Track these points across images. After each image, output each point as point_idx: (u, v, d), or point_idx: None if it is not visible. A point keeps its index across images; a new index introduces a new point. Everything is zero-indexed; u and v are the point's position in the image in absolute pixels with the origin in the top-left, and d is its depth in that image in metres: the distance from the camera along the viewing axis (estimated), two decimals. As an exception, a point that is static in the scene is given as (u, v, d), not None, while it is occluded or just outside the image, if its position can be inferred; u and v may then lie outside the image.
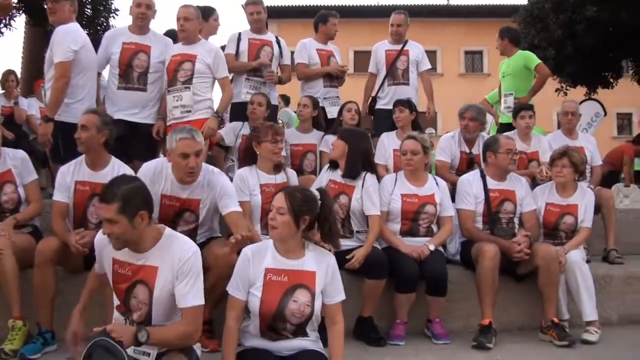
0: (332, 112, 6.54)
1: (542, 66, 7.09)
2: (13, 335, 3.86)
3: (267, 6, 6.61)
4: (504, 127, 6.89)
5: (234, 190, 4.18)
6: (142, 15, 5.43)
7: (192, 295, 3.04)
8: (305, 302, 3.18)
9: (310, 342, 3.24)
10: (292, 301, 3.17)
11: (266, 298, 3.16)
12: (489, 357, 4.09)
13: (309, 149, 5.98)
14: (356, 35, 23.65)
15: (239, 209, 4.09)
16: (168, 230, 3.22)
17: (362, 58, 21.10)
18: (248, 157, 4.74)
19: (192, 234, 4.03)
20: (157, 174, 4.09)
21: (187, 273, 3.04)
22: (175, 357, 3.02)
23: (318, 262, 3.25)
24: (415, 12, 26.15)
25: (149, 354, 2.99)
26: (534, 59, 7.08)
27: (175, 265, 3.05)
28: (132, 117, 5.35)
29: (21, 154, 4.49)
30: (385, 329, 4.40)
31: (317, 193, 3.31)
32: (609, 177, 11.59)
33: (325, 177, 4.73)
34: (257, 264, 3.23)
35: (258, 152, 4.59)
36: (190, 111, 5.23)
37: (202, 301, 3.08)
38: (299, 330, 3.21)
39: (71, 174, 4.22)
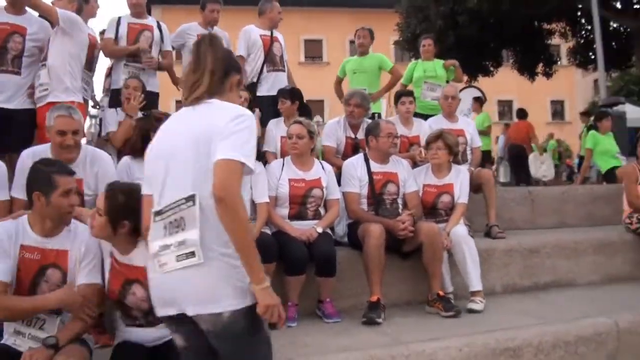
0: None
1: (397, 69, 7.72)
2: None
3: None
4: None
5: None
6: None
7: (94, 275, 3.21)
8: (140, 297, 3.15)
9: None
10: (131, 294, 3.17)
11: (110, 285, 3.23)
12: (379, 332, 4.20)
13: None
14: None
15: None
16: None
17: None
18: (139, 146, 4.47)
19: None
20: (37, 156, 3.96)
21: (90, 256, 3.23)
22: (74, 349, 3.04)
23: (147, 257, 3.13)
24: (301, 2, 26.58)
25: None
26: (389, 62, 7.68)
27: (82, 249, 3.21)
28: (5, 103, 5.08)
29: None
30: (277, 312, 4.42)
31: None
32: (523, 152, 12.88)
33: None
34: (106, 251, 3.29)
35: None
36: (47, 89, 5.03)
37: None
38: (154, 320, 3.14)
39: None
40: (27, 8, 5.26)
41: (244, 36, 6.73)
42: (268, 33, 6.74)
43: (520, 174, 13.36)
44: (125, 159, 4.53)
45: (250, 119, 2.33)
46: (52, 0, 5.46)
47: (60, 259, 3.19)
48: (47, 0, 5.21)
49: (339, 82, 7.97)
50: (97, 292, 3.23)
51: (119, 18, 6.35)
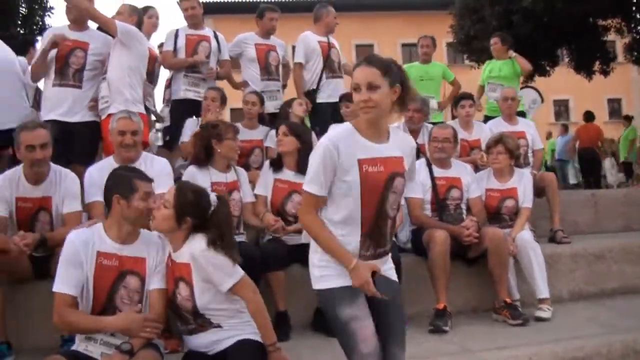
0: (268, 107, 6.37)
1: (457, 79, 7.75)
2: None
3: (203, 2, 6.57)
4: None
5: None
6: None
7: (164, 280, 3.27)
8: (185, 297, 3.18)
9: (228, 331, 3.21)
10: (178, 293, 3.20)
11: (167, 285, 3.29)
12: (446, 340, 4.16)
13: (256, 145, 5.92)
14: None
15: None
16: None
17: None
18: (204, 156, 4.62)
19: None
20: (102, 169, 4.16)
21: (163, 261, 3.31)
22: (148, 354, 3.09)
23: (191, 255, 3.16)
24: (352, 6, 26.62)
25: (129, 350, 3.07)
26: (451, 72, 7.78)
27: (158, 255, 3.30)
28: (65, 117, 5.19)
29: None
30: (344, 318, 4.42)
31: (214, 199, 3.24)
32: (596, 156, 12.96)
33: (270, 177, 4.72)
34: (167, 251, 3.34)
35: (219, 150, 4.53)
36: (108, 102, 5.15)
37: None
38: (202, 322, 3.20)
39: (9, 189, 4.05)
40: (89, 24, 5.41)
41: (302, 43, 6.72)
42: (325, 39, 6.75)
43: (590, 177, 13.15)
44: (191, 168, 4.60)
45: (317, 148, 2.74)
46: (113, 14, 5.60)
47: (139, 266, 3.23)
48: (108, 14, 5.33)
49: None
50: (166, 296, 3.27)
51: (177, 30, 6.48)
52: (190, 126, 5.86)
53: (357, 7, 27.95)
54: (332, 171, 2.69)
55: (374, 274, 2.74)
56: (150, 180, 3.33)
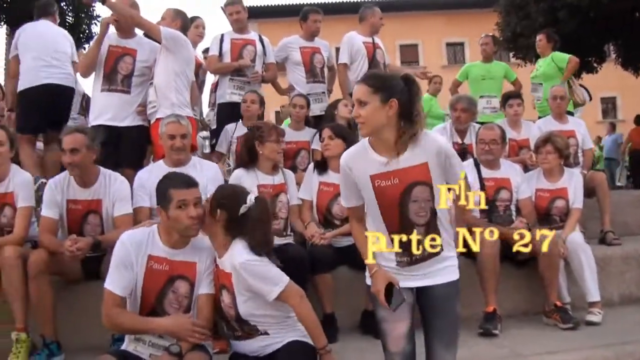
0: (313, 110, 6.39)
1: (519, 79, 7.74)
2: (18, 348, 3.79)
3: (247, 6, 6.61)
4: None
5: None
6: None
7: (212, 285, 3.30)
8: (228, 304, 3.19)
9: (274, 338, 3.21)
10: (221, 300, 3.23)
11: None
12: (496, 344, 4.10)
13: (302, 147, 5.93)
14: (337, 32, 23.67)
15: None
16: None
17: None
18: (248, 158, 4.64)
19: None
20: (153, 172, 4.25)
21: (212, 266, 3.32)
22: (197, 356, 3.09)
23: (232, 266, 3.14)
24: (395, 6, 26.45)
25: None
26: (513, 72, 7.77)
27: (207, 260, 3.30)
28: (113, 121, 5.22)
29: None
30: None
31: (251, 200, 3.22)
32: None
33: (315, 180, 4.71)
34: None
35: (261, 152, 4.54)
36: (155, 107, 5.18)
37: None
38: (248, 329, 3.20)
39: (61, 192, 4.14)
40: (137, 31, 5.48)
41: (347, 43, 6.69)
42: (370, 40, 6.73)
43: None
44: (237, 171, 4.62)
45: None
46: (158, 20, 5.67)
47: (189, 271, 3.24)
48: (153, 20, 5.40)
49: (457, 85, 7.94)
50: (214, 301, 3.28)
51: (222, 35, 6.53)
52: (227, 134, 5.95)
53: (401, 7, 27.71)
54: (353, 185, 2.91)
55: (391, 284, 2.83)
56: (191, 186, 3.21)
